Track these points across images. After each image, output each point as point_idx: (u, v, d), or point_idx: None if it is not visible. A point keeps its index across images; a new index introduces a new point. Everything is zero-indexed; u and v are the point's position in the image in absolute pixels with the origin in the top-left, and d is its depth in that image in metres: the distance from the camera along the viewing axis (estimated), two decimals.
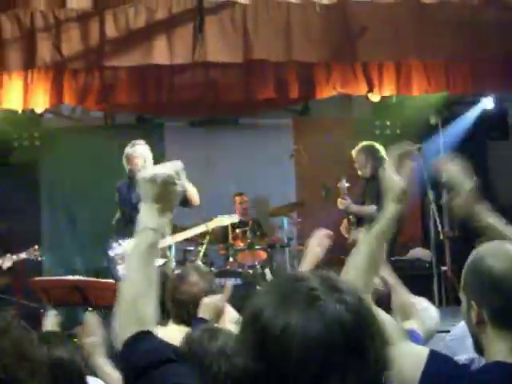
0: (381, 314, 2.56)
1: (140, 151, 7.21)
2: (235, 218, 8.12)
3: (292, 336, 1.48)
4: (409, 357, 2.39)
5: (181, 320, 4.19)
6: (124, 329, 2.08)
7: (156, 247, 2.23)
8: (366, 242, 2.64)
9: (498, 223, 3.14)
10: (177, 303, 4.24)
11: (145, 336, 2.02)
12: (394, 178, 2.67)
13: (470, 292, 2.33)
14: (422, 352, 2.42)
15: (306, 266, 3.82)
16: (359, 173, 8.12)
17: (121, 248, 7.37)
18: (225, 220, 7.98)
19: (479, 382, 2.21)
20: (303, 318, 1.49)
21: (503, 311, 2.25)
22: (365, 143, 8.14)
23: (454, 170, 3.18)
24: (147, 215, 2.23)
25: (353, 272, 2.56)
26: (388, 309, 3.72)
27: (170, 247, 7.42)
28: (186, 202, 7.40)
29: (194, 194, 7.34)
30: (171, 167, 2.26)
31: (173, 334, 4.03)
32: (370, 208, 7.56)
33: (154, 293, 2.16)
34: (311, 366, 1.47)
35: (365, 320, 1.54)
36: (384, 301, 3.78)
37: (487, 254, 2.33)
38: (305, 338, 1.47)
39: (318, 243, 3.97)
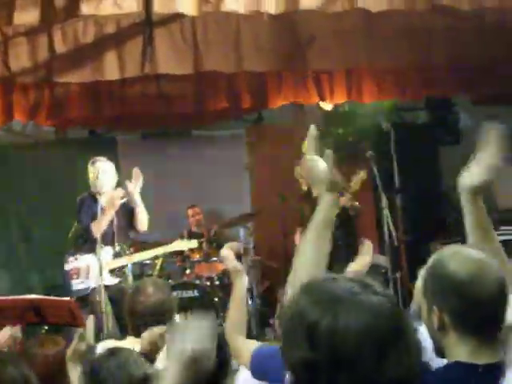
0: None
1: (101, 167, 7.25)
2: (194, 244, 8.14)
3: (340, 328, 1.62)
4: None
5: (138, 332, 4.19)
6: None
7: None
8: (308, 238, 2.54)
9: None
10: (134, 315, 4.26)
11: None
12: (319, 167, 2.59)
13: (430, 296, 2.34)
14: None
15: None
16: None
17: (76, 263, 7.32)
18: (184, 244, 8.02)
19: (442, 380, 2.24)
20: (349, 311, 1.63)
21: (465, 316, 2.26)
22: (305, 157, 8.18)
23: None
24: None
25: (300, 271, 2.49)
26: None
27: (126, 266, 7.40)
28: (132, 225, 7.44)
29: (143, 217, 7.37)
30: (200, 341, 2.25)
31: (130, 347, 4.04)
32: None
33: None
34: (366, 352, 1.61)
35: (402, 310, 1.72)
36: None
37: (449, 258, 2.34)
38: (354, 330, 1.62)
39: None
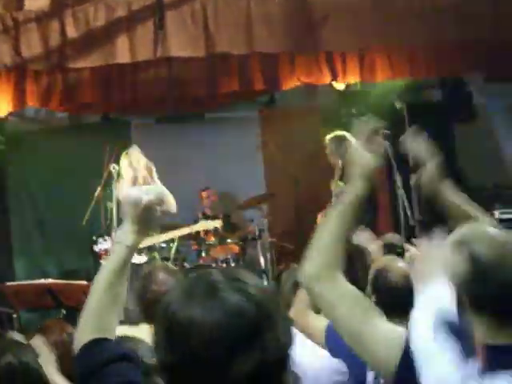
0: (350, 289, 2.54)
1: (137, 158, 7.41)
2: (218, 223, 8.19)
3: (194, 326, 1.59)
4: (384, 337, 2.41)
5: (151, 319, 4.19)
6: (83, 334, 2.20)
7: (127, 265, 2.34)
8: (331, 219, 2.56)
9: (461, 202, 3.12)
10: (146, 303, 4.25)
11: (102, 341, 2.14)
12: (363, 154, 2.59)
13: (451, 274, 2.32)
14: (398, 331, 2.44)
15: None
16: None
17: (105, 244, 7.42)
18: (209, 224, 8.06)
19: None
20: (203, 308, 1.61)
21: (487, 298, 2.23)
22: (334, 133, 8.17)
23: (419, 147, 3.16)
24: (125, 232, 2.35)
25: (318, 249, 2.51)
26: None
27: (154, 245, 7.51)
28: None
29: (170, 200, 7.43)
30: (156, 193, 2.38)
31: (144, 333, 4.04)
32: None
33: (119, 307, 2.30)
34: (214, 353, 1.58)
35: (266, 309, 1.65)
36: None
37: (474, 238, 2.29)
38: (205, 327, 1.59)
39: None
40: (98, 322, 2.21)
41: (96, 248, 7.50)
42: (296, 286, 4.03)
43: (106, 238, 7.47)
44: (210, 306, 1.61)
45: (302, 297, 3.68)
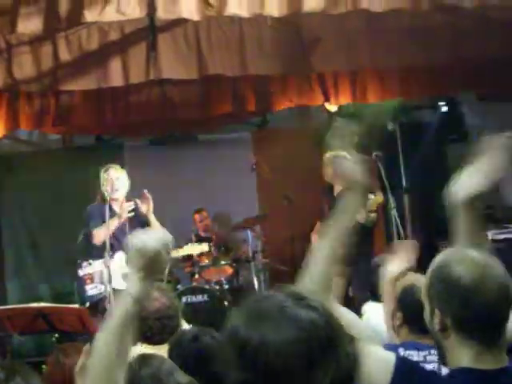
0: (346, 314, 2.55)
1: (115, 175, 7.30)
2: (206, 247, 8.15)
3: (270, 344, 1.66)
4: (376, 361, 2.40)
5: (145, 339, 4.19)
6: None
7: (133, 318, 2.31)
8: (327, 236, 2.54)
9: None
10: (139, 320, 4.24)
11: None
12: (356, 168, 2.58)
13: (433, 299, 2.32)
14: (389, 358, 2.43)
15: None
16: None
17: (89, 268, 7.34)
18: (196, 248, 8.01)
19: None
20: (277, 327, 1.68)
21: (469, 321, 2.24)
22: (334, 152, 8.17)
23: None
24: (130, 281, 2.32)
25: (315, 267, 2.49)
26: None
27: None
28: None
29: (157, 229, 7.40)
30: (161, 239, 2.34)
31: (163, 352, 4.06)
32: None
33: (125, 362, 2.26)
34: (292, 367, 1.65)
35: (333, 321, 1.75)
36: None
37: (453, 261, 2.31)
38: (282, 344, 1.66)
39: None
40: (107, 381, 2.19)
41: (80, 272, 7.40)
42: None
43: (91, 261, 7.38)
44: (284, 325, 1.68)
45: None
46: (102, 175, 7.36)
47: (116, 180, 7.30)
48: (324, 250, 2.53)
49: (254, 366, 1.67)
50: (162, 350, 4.16)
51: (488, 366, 2.23)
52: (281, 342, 1.66)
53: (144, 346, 4.20)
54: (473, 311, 2.23)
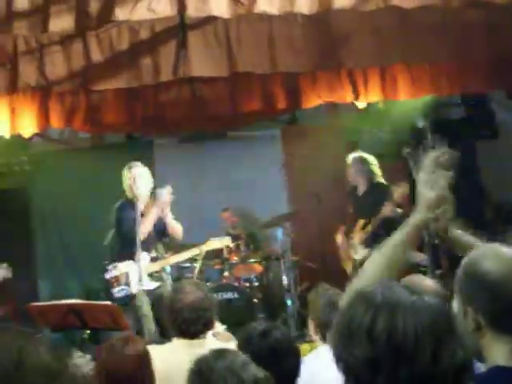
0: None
1: (138, 172, 7.35)
2: (227, 241, 8.15)
3: (402, 327, 1.76)
4: None
5: (180, 332, 4.22)
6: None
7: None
8: (384, 250, 2.55)
9: (462, 235, 3.05)
10: (173, 313, 4.29)
11: None
12: (429, 186, 2.61)
13: (465, 298, 2.32)
14: None
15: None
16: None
17: (115, 271, 7.38)
18: (217, 243, 8.02)
19: None
20: (408, 311, 1.79)
21: (502, 315, 2.24)
22: (357, 154, 8.21)
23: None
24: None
25: (368, 276, 2.48)
26: None
27: (164, 269, 7.47)
28: (165, 235, 7.54)
29: (176, 229, 7.46)
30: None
31: (176, 350, 4.06)
32: None
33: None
34: (424, 347, 1.74)
35: (451, 311, 1.94)
36: None
37: (482, 258, 2.32)
38: (416, 326, 1.76)
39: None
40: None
41: (106, 275, 7.47)
42: (331, 306, 4.02)
43: (116, 264, 7.42)
44: (415, 311, 1.79)
45: None
46: (125, 173, 7.40)
47: (138, 177, 7.33)
48: (384, 253, 2.53)
49: (382, 345, 1.76)
50: (171, 346, 4.18)
51: None
52: (411, 325, 1.75)
53: (180, 340, 4.22)
54: (503, 305, 2.22)
